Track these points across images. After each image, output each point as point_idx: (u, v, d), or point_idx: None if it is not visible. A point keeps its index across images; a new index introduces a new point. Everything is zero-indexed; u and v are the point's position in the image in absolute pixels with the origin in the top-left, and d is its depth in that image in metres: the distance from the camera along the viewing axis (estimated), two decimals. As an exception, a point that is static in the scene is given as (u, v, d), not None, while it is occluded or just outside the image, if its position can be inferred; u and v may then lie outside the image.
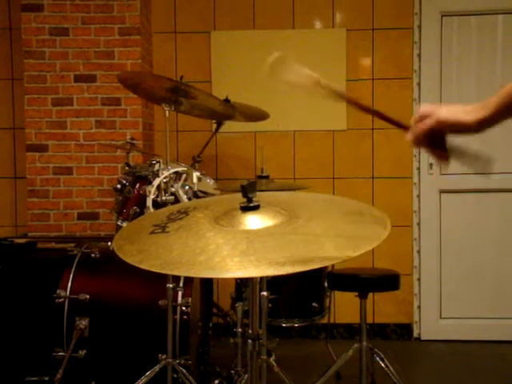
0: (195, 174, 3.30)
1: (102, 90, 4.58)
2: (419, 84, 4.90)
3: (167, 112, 3.26)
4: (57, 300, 3.24)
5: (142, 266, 1.44)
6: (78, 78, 4.57)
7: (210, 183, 3.77)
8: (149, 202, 3.06)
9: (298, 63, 1.56)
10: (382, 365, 3.40)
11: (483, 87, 4.87)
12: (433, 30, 4.87)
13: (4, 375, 3.67)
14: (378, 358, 3.42)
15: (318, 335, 4.93)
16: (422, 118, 1.48)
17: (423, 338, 4.97)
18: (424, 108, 1.49)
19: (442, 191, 4.90)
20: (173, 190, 3.11)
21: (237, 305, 3.37)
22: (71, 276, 3.30)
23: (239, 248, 1.43)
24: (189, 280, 3.23)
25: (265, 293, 2.97)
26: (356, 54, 4.92)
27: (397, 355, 4.06)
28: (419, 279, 4.96)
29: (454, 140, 1.49)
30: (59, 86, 4.57)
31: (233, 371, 3.37)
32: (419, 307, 4.97)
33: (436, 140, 1.48)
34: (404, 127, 1.53)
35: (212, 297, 4.17)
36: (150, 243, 1.54)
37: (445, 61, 4.89)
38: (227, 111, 3.83)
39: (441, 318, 4.97)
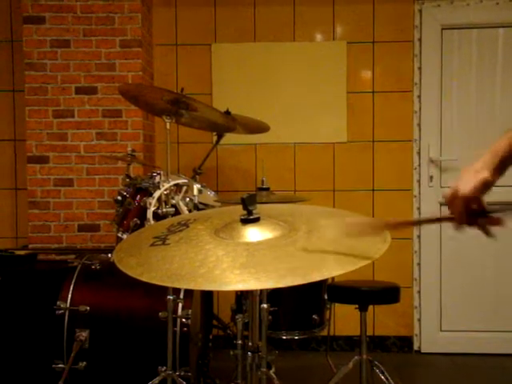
0: (196, 186, 3.30)
1: (103, 102, 4.59)
2: (419, 97, 4.91)
3: (168, 124, 3.26)
4: (57, 312, 3.23)
5: (143, 278, 1.44)
6: (79, 90, 4.58)
7: (210, 195, 3.77)
8: (149, 214, 3.06)
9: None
10: (382, 377, 3.38)
11: (483, 100, 4.88)
12: (433, 43, 4.88)
13: (4, 387, 3.67)
14: (378, 371, 3.40)
15: (317, 347, 4.92)
16: (452, 201, 1.47)
17: (423, 350, 4.95)
18: (447, 192, 1.48)
19: (442, 204, 4.90)
20: (173, 201, 3.11)
21: (237, 317, 3.36)
22: (71, 288, 3.29)
23: (239, 260, 1.43)
24: (189, 292, 3.22)
25: (265, 305, 2.96)
26: (356, 67, 4.93)
27: (397, 368, 4.06)
28: (419, 292, 4.95)
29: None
30: (60, 98, 4.58)
31: (233, 383, 3.36)
32: (419, 320, 4.96)
33: (478, 211, 1.47)
34: (447, 219, 1.52)
35: (212, 309, 4.17)
36: (151, 255, 1.54)
37: (445, 74, 4.91)
38: (228, 123, 3.84)
39: (441, 330, 4.96)
